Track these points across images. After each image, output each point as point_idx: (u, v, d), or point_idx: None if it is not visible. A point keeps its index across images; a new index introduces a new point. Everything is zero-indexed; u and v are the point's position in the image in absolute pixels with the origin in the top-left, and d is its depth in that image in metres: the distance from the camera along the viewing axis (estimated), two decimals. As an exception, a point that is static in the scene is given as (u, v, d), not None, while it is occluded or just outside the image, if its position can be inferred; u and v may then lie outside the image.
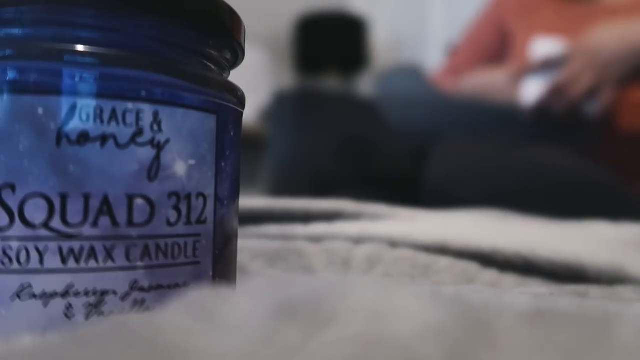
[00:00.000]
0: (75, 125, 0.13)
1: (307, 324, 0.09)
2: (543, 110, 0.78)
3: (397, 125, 0.84)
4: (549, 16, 0.88)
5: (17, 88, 0.13)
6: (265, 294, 0.11)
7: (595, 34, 0.77)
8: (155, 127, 0.14)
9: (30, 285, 0.13)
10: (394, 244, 0.28)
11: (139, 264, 0.14)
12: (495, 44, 0.98)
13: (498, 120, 0.80)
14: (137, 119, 0.14)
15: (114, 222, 0.14)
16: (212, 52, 0.17)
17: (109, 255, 0.14)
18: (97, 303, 0.13)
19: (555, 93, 0.76)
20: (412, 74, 1.08)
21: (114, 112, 0.14)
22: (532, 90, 0.80)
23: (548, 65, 0.79)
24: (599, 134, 0.79)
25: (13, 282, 0.13)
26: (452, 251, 0.28)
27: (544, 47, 0.82)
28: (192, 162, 0.15)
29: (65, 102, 0.13)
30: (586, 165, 0.68)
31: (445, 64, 1.10)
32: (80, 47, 0.14)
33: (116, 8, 0.14)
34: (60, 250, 0.13)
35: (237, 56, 0.18)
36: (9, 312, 0.13)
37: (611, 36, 0.75)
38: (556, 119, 0.78)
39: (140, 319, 0.10)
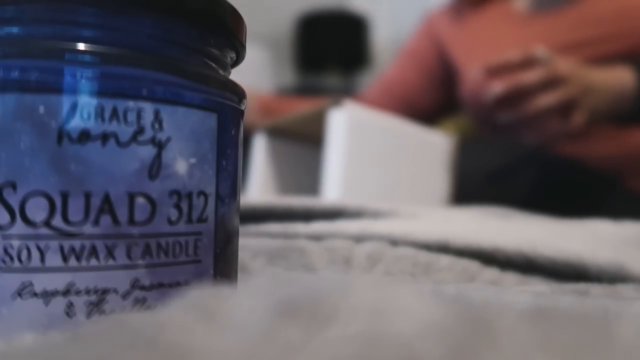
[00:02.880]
0: (76, 123, 0.13)
1: (308, 322, 0.09)
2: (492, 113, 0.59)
3: None
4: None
5: (18, 86, 0.13)
6: (266, 292, 0.11)
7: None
8: (156, 126, 0.14)
9: (31, 284, 0.13)
10: (395, 242, 0.28)
11: (140, 262, 0.14)
12: (435, 60, 0.87)
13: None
14: (138, 117, 0.14)
15: (115, 221, 0.14)
16: (214, 50, 0.17)
17: (110, 253, 0.14)
18: (98, 301, 0.13)
19: (511, 97, 0.57)
20: None
21: (115, 111, 0.14)
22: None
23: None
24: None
25: (14, 280, 0.13)
26: (453, 249, 0.28)
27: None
28: (193, 160, 0.15)
29: (66, 101, 0.13)
30: (587, 167, 0.68)
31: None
32: (81, 46, 0.14)
33: (117, 6, 0.14)
34: (62, 248, 0.13)
35: (238, 55, 0.18)
36: (10, 311, 0.13)
37: (598, 72, 0.61)
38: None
39: (141, 318, 0.10)
